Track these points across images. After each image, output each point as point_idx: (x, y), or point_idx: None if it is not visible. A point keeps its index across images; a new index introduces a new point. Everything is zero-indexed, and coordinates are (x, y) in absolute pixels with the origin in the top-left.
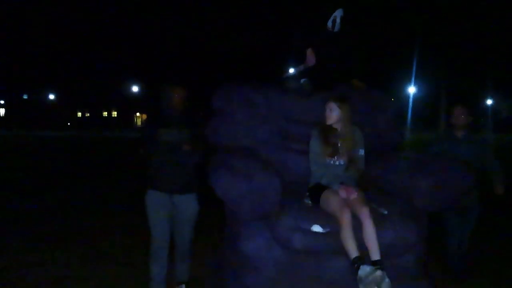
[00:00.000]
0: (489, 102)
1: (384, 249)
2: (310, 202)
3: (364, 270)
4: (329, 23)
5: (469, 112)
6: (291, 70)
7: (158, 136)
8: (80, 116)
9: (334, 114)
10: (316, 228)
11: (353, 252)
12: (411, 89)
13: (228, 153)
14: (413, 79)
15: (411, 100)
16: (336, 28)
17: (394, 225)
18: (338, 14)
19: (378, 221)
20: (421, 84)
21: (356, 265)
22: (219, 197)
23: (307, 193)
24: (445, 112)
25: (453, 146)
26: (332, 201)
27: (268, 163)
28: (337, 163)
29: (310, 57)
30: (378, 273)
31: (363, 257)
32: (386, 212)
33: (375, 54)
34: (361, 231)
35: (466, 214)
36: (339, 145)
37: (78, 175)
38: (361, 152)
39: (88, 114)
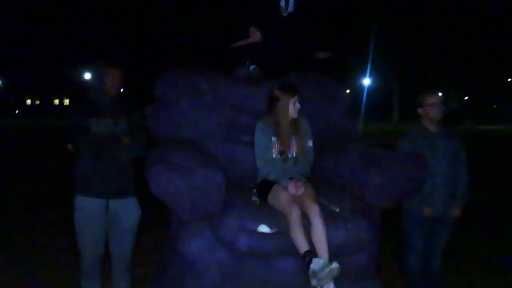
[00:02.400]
0: (440, 94)
1: (335, 248)
2: (257, 199)
3: (318, 263)
4: (282, 3)
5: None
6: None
7: (88, 127)
8: (30, 103)
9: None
10: (263, 228)
11: (304, 247)
12: (366, 81)
13: (167, 146)
14: (368, 70)
15: (365, 91)
16: (290, 9)
17: (346, 223)
18: None
19: (329, 219)
20: (375, 75)
21: (307, 258)
22: (156, 196)
23: (255, 190)
24: (399, 102)
25: (428, 144)
26: (280, 197)
27: (212, 157)
28: (284, 156)
29: (255, 33)
30: (334, 265)
31: (315, 252)
32: (337, 209)
33: (330, 41)
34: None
35: (436, 227)
36: (283, 138)
37: (20, 166)
38: (310, 143)
39: (38, 102)
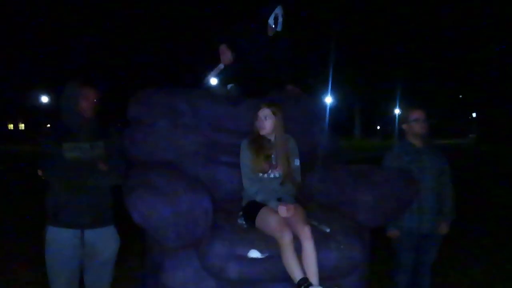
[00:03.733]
0: (397, 111)
1: (329, 271)
2: (244, 223)
3: None
4: (271, 21)
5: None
6: (212, 76)
7: (62, 153)
8: None
9: (268, 122)
10: (254, 254)
11: (298, 274)
12: (328, 99)
13: (148, 169)
14: (329, 88)
15: (328, 110)
16: (279, 27)
17: (338, 244)
18: (279, 11)
19: (321, 240)
20: (335, 91)
21: (304, 286)
22: (138, 224)
23: (241, 213)
24: (360, 119)
25: (415, 160)
26: (270, 220)
27: (195, 180)
28: (272, 176)
29: (225, 54)
30: None
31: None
32: (328, 230)
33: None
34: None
35: (424, 244)
36: (273, 156)
37: None
38: (297, 162)
39: None
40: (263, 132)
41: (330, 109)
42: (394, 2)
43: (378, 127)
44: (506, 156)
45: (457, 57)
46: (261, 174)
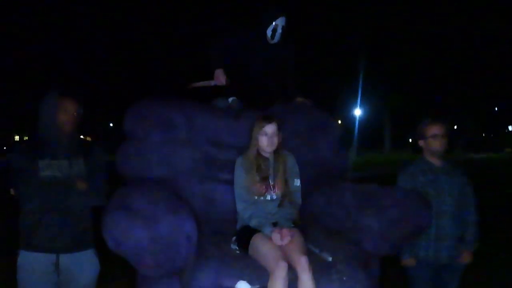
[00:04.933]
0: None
1: None
2: (237, 248)
3: None
4: (269, 32)
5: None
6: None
7: (37, 170)
8: None
9: (276, 139)
10: (242, 286)
11: None
12: (357, 111)
13: (131, 189)
14: (359, 100)
15: (357, 122)
16: (276, 39)
17: (341, 275)
18: (280, 22)
19: (321, 270)
20: (365, 105)
21: None
22: (112, 250)
23: (234, 238)
24: (390, 132)
25: (431, 180)
26: (263, 250)
27: (182, 201)
28: (268, 197)
29: (219, 78)
30: None
31: None
32: (330, 258)
33: (321, 71)
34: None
35: (443, 275)
36: (270, 176)
37: None
38: (297, 182)
39: None
40: (270, 150)
41: (356, 121)
42: (428, 11)
43: (410, 140)
44: None
45: (492, 68)
46: (256, 197)
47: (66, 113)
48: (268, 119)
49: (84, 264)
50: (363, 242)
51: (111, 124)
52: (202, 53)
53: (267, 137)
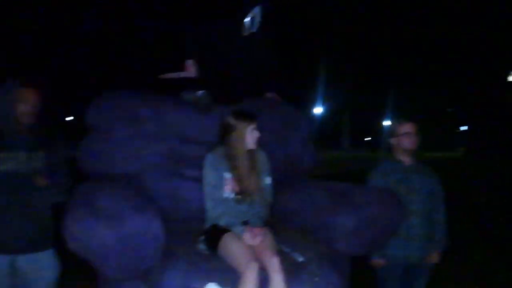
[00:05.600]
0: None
1: None
2: (205, 248)
3: None
4: (247, 22)
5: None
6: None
7: None
8: None
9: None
10: None
11: None
12: (318, 109)
13: (94, 185)
14: (319, 98)
15: (318, 120)
16: (254, 28)
17: (312, 275)
18: (257, 12)
19: (292, 271)
20: (325, 103)
21: None
22: (73, 251)
23: (202, 237)
24: (349, 130)
25: (402, 179)
26: (233, 250)
27: (149, 199)
28: (238, 196)
29: (189, 69)
30: None
31: None
32: (301, 259)
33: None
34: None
35: (412, 274)
36: (241, 173)
37: None
38: (268, 180)
39: None
40: (252, 147)
41: (317, 119)
42: (387, 12)
43: (368, 138)
44: (498, 168)
45: (448, 70)
46: (226, 195)
47: (26, 104)
48: (251, 117)
49: (42, 267)
50: (336, 242)
51: (71, 117)
52: (172, 42)
53: (252, 136)
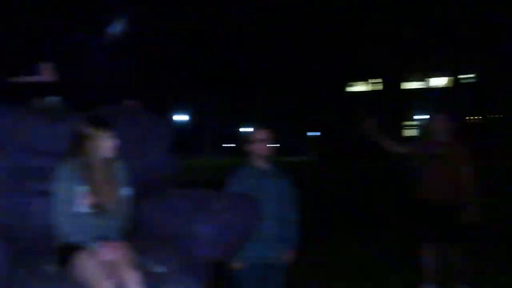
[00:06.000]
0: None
1: None
2: (55, 269)
3: None
4: (110, 29)
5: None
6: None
7: None
8: None
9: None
10: None
11: None
12: (180, 116)
13: None
14: (182, 105)
15: (180, 127)
16: (116, 36)
17: (175, 286)
18: (122, 20)
19: (155, 283)
20: (186, 108)
21: None
22: None
23: (52, 257)
24: (211, 136)
25: (258, 183)
26: (87, 268)
27: None
28: (93, 209)
29: (46, 73)
30: None
31: None
32: (163, 270)
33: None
34: None
35: (268, 274)
36: (96, 185)
37: None
38: (126, 191)
39: None
40: (109, 156)
41: (179, 126)
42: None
43: (230, 145)
44: (346, 171)
45: (297, 78)
46: (80, 209)
47: None
48: (107, 124)
49: None
50: (196, 249)
51: None
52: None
53: (108, 144)
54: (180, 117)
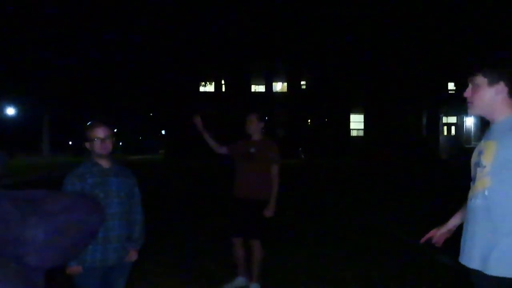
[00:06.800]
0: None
1: None
2: None
3: None
4: None
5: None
6: None
7: None
8: None
9: None
10: None
11: None
12: (10, 110)
13: None
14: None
15: (12, 123)
16: None
17: None
18: None
19: None
20: (21, 104)
21: None
22: None
23: None
24: (49, 134)
25: (100, 182)
26: None
27: None
28: None
29: None
30: None
31: None
32: None
33: None
34: None
35: (111, 276)
36: None
37: None
38: None
39: None
40: None
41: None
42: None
43: (71, 143)
44: (190, 168)
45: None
46: None
47: None
48: None
49: None
50: (27, 256)
51: None
52: None
53: None
54: (10, 111)
